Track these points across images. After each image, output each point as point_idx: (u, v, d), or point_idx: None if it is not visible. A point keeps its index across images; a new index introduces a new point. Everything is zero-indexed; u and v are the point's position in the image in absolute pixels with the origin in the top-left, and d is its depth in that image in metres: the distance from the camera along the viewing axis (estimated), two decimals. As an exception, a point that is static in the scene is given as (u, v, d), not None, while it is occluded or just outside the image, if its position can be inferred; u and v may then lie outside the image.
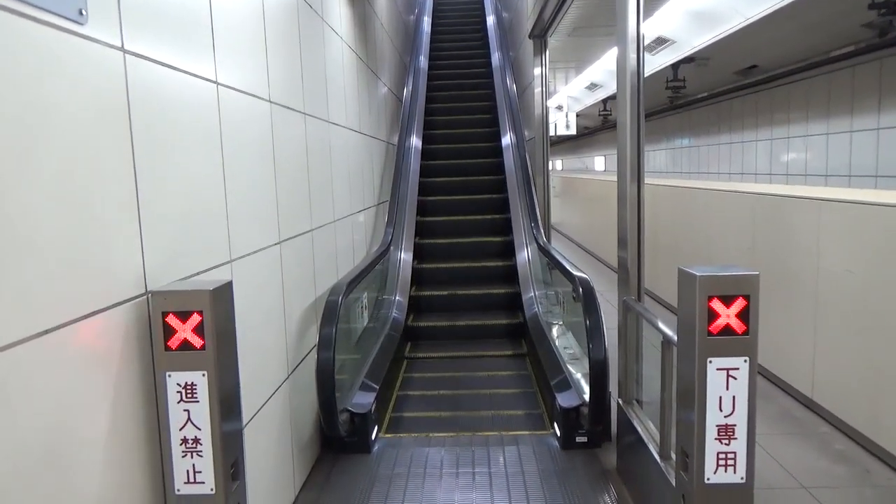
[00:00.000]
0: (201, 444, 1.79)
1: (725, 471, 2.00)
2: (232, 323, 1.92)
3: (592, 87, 12.39)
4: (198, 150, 2.19)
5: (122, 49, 1.72)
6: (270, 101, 2.95)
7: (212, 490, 1.81)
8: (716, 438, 1.99)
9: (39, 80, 1.41)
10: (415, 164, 7.51)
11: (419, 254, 6.76)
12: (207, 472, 1.80)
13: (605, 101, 13.41)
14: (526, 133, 7.73)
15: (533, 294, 5.94)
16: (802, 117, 8.60)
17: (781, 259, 4.50)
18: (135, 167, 1.76)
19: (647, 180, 3.34)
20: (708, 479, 2.01)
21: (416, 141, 7.81)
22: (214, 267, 2.26)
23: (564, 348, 4.71)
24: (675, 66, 9.08)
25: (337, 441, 3.63)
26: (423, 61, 9.63)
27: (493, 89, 9.06)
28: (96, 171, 1.60)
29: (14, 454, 1.31)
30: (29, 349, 1.35)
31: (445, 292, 6.26)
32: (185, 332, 1.76)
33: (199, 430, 1.79)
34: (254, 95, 2.74)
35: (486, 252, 6.83)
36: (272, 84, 2.98)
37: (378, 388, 4.08)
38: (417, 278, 6.48)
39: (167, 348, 1.76)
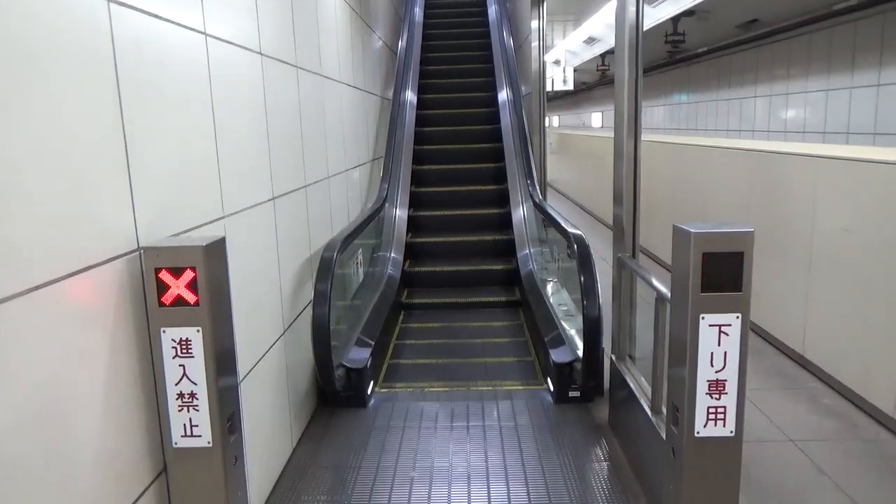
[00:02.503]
0: (197, 399, 1.81)
1: (715, 424, 2.03)
2: (226, 279, 1.92)
3: (590, 41, 12.18)
4: (187, 102, 2.15)
5: (106, -2, 1.67)
6: (261, 54, 2.89)
7: (209, 443, 1.83)
8: (706, 393, 2.02)
9: (22, 32, 1.37)
10: (410, 119, 7.42)
11: (415, 214, 6.71)
12: (204, 425, 1.83)
13: (603, 55, 13.20)
14: (523, 88, 7.63)
15: (528, 251, 5.94)
16: (802, 73, 8.49)
17: (777, 217, 4.50)
18: (123, 120, 1.73)
19: (645, 137, 3.31)
20: (698, 433, 2.04)
21: (411, 96, 7.70)
22: (207, 223, 2.25)
23: (559, 305, 4.74)
24: (675, 20, 8.91)
25: (333, 395, 3.67)
26: (419, 13, 9.43)
27: (489, 41, 8.90)
28: (84, 125, 1.57)
29: (10, 411, 1.31)
30: (19, 305, 1.34)
31: (442, 263, 6.27)
32: (178, 287, 1.75)
33: (195, 384, 1.80)
34: (244, 47, 2.68)
35: (482, 205, 6.79)
36: (263, 36, 2.91)
37: (374, 343, 4.12)
38: (413, 233, 6.47)
39: (161, 304, 1.76)
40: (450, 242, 6.36)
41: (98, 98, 1.63)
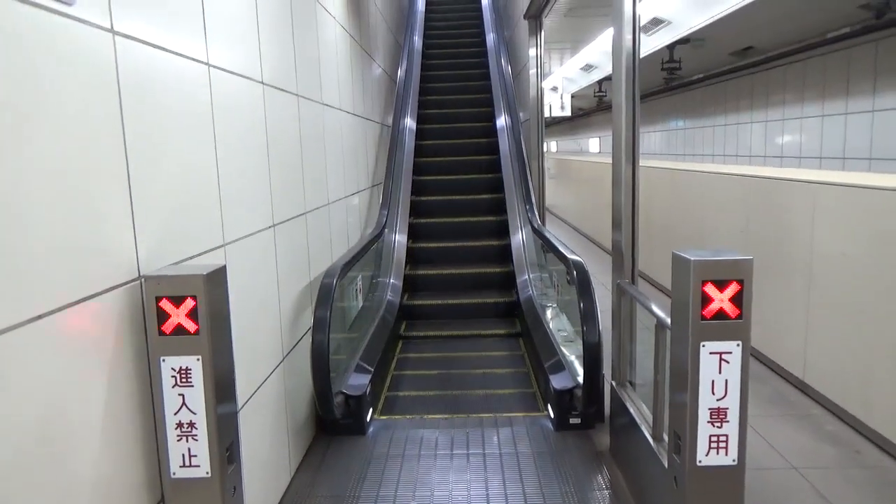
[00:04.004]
0: (196, 429, 1.80)
1: (717, 453, 2.02)
2: (226, 307, 1.92)
3: (588, 68, 12.31)
4: (190, 132, 2.16)
5: (111, 30, 1.69)
6: (263, 83, 2.92)
7: (207, 473, 1.82)
8: (708, 421, 2.01)
9: (29, 64, 1.39)
10: (409, 144, 7.48)
11: (414, 236, 6.73)
12: (203, 455, 1.81)
13: (600, 82, 13.32)
14: (521, 115, 7.69)
15: (527, 276, 5.95)
16: (797, 99, 8.57)
17: (775, 242, 4.51)
18: (126, 150, 1.75)
19: (642, 162, 3.33)
20: (700, 462, 2.03)
21: (410, 122, 7.76)
22: (208, 251, 2.25)
23: (558, 330, 4.73)
24: (670, 47, 9.01)
25: (332, 423, 3.64)
26: (418, 41, 9.54)
27: (488, 70, 8.99)
28: (87, 155, 1.58)
29: (10, 439, 1.30)
30: (22, 335, 1.34)
31: (439, 274, 6.28)
32: (178, 316, 1.75)
33: (194, 414, 1.79)
34: (246, 77, 2.72)
35: (482, 233, 6.82)
36: (265, 65, 2.95)
37: (373, 370, 4.10)
38: (412, 260, 6.48)
39: (161, 333, 1.76)
40: (451, 247, 6.51)
41: (101, 127, 1.65)
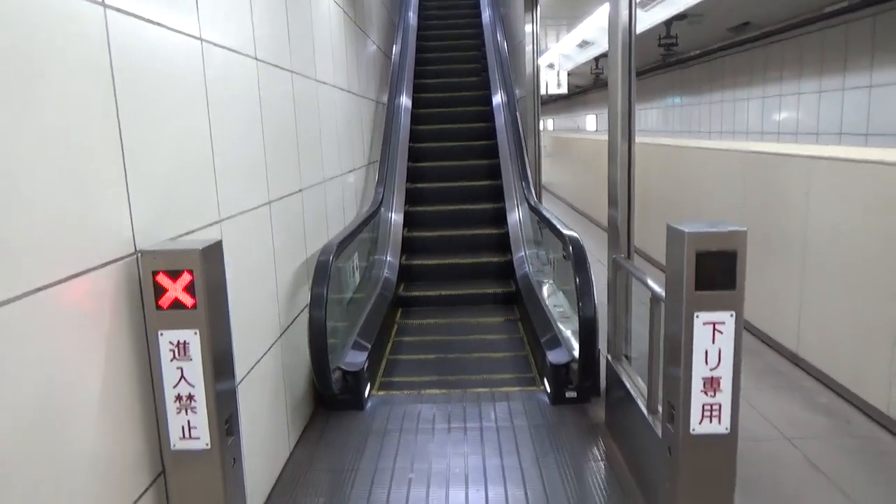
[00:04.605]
0: (195, 401, 1.81)
1: (710, 421, 2.05)
2: (223, 282, 1.93)
3: (584, 44, 12.22)
4: (183, 108, 2.16)
5: (102, 3, 1.68)
6: (256, 59, 2.90)
7: (207, 445, 1.84)
8: (701, 390, 2.03)
9: (18, 38, 1.38)
10: (405, 123, 7.44)
11: (409, 216, 6.71)
12: (202, 428, 1.83)
13: (596, 59, 13.24)
14: (517, 92, 7.65)
15: (524, 253, 5.96)
16: (795, 75, 8.53)
17: (771, 216, 4.53)
18: (119, 125, 1.74)
19: (638, 139, 3.33)
20: (693, 430, 2.06)
21: (405, 100, 7.72)
22: (204, 227, 2.26)
23: (555, 306, 4.75)
24: (667, 23, 8.94)
25: (330, 398, 3.68)
26: (413, 18, 9.44)
27: (483, 48, 8.92)
28: (80, 130, 1.58)
29: (7, 414, 1.32)
30: (19, 308, 1.35)
31: (436, 261, 6.28)
32: (175, 290, 1.76)
33: (193, 387, 1.81)
34: (239, 53, 2.70)
35: (477, 219, 6.81)
36: (258, 41, 2.93)
37: (370, 346, 4.12)
38: (407, 241, 6.48)
39: (158, 307, 1.77)
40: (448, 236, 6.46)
41: (95, 103, 1.64)
